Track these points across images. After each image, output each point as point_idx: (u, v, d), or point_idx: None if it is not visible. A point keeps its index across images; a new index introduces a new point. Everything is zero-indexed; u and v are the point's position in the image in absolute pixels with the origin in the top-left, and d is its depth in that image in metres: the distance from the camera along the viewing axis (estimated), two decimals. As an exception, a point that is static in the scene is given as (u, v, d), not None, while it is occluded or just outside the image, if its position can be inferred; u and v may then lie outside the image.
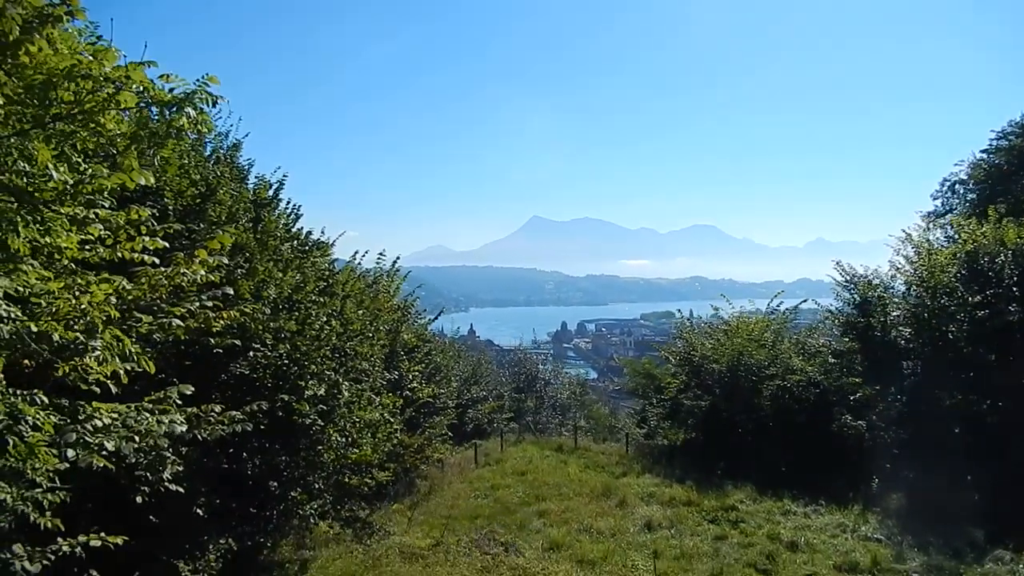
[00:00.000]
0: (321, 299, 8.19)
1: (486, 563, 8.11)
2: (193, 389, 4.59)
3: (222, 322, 5.16)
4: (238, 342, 5.98)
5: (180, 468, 4.88)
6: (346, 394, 7.94)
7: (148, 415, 4.30)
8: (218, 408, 5.21)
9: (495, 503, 12.76)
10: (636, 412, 24.80)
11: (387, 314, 11.47)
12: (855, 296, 15.41)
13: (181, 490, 4.99)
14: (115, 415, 4.08)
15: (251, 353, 6.70)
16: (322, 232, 10.12)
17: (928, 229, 26.70)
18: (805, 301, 18.82)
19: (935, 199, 28.54)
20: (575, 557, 9.48)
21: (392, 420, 9.63)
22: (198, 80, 3.51)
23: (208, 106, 3.51)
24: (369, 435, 8.74)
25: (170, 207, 6.58)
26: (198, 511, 5.90)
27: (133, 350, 3.84)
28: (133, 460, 4.43)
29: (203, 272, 4.63)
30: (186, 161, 7.19)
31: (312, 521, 8.00)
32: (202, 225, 6.63)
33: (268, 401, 6.29)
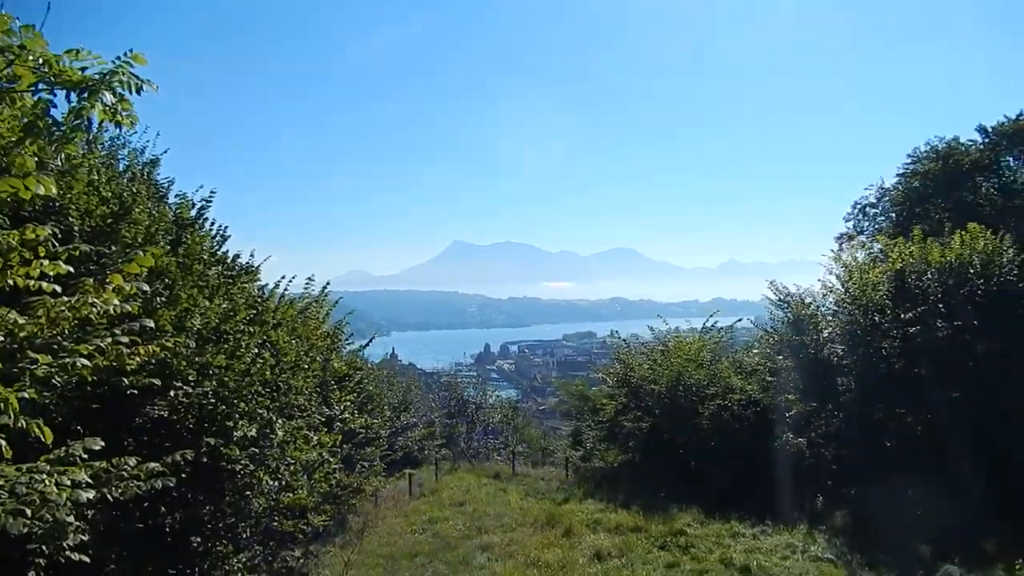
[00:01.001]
0: (251, 328, 7.36)
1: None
2: (102, 444, 3.79)
3: (138, 359, 4.38)
4: (157, 381, 5.12)
5: (85, 537, 4.06)
6: (280, 433, 7.12)
7: (45, 477, 3.50)
8: (133, 461, 4.40)
9: (435, 538, 12.02)
10: (570, 434, 24.48)
11: (319, 341, 10.64)
12: (789, 314, 15.56)
13: (86, 559, 4.17)
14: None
15: (172, 392, 5.83)
16: (251, 255, 9.30)
17: (842, 250, 27.80)
18: (740, 320, 18.98)
19: (847, 221, 29.76)
20: (525, 595, 8.90)
21: (331, 460, 8.82)
22: (118, 58, 2.79)
23: (131, 92, 2.79)
24: (305, 477, 7.94)
25: (76, 228, 5.71)
26: (107, 581, 5.03)
27: (14, 410, 3.04)
28: (24, 531, 3.60)
29: (117, 301, 3.86)
30: (96, 177, 6.33)
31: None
32: (115, 248, 5.76)
33: (192, 447, 5.46)
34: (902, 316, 13.55)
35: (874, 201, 28.50)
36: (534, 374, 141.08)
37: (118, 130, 8.12)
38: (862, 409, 13.82)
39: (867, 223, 28.71)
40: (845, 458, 13.83)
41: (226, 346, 6.74)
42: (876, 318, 13.92)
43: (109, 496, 4.21)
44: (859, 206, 29.09)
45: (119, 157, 7.80)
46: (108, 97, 2.73)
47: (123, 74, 2.77)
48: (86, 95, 2.73)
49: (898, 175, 25.92)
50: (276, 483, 7.19)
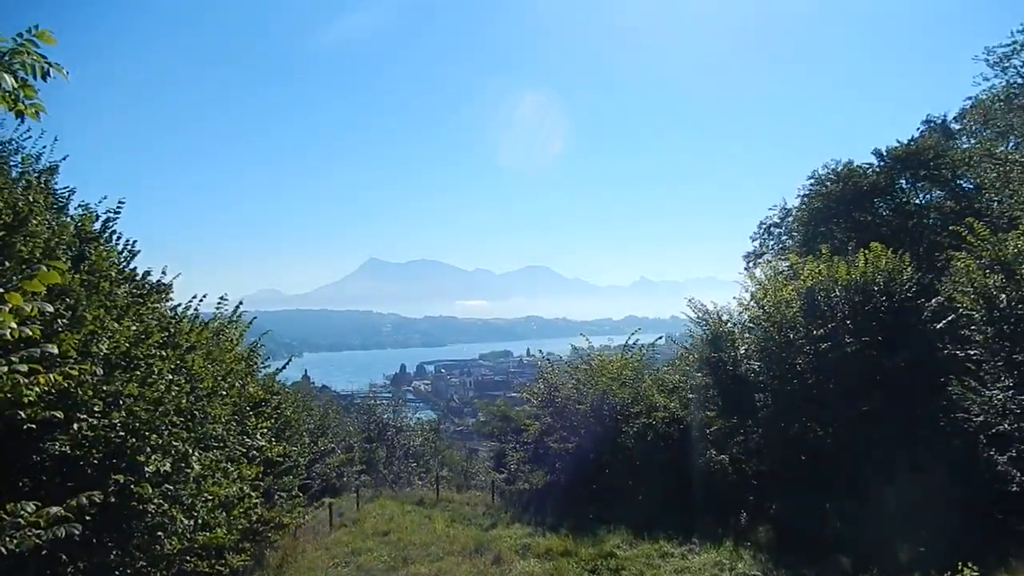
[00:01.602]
0: (164, 352, 6.76)
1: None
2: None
3: (38, 389, 3.87)
4: (59, 413, 4.53)
5: (-29, 598, 3.52)
6: (197, 467, 6.54)
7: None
8: (31, 506, 3.87)
9: (358, 571, 11.50)
10: (493, 456, 24.15)
11: (235, 365, 9.97)
12: (707, 332, 15.87)
13: (-27, 621, 3.63)
14: None
15: (76, 426, 5.22)
16: (163, 272, 8.60)
17: (754, 267, 28.85)
18: (660, 338, 19.20)
19: (753, 240, 30.93)
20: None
21: (252, 494, 8.20)
22: (20, 35, 2.37)
23: (36, 77, 2.38)
24: (223, 513, 7.33)
25: (-40, 242, 5.09)
26: (-3, 644, 4.40)
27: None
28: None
29: (14, 324, 3.38)
30: (-16, 184, 5.68)
31: (150, 627, 6.46)
32: (9, 264, 5.14)
33: (98, 486, 4.90)
34: (814, 332, 14.04)
35: (778, 221, 29.76)
36: (451, 394, 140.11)
37: (18, 123, 7.42)
38: (779, 425, 14.19)
39: (772, 242, 29.93)
40: (765, 474, 14.14)
41: (137, 373, 6.14)
42: (790, 335, 14.37)
43: (2, 549, 3.68)
44: (764, 226, 30.29)
45: (11, 163, 7.08)
46: (8, 81, 2.31)
47: (27, 54, 2.35)
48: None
49: (800, 195, 27.13)
50: (191, 522, 6.59)
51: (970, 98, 23.70)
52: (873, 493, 12.43)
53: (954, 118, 25.96)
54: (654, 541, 12.16)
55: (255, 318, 13.56)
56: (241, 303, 12.88)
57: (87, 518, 4.78)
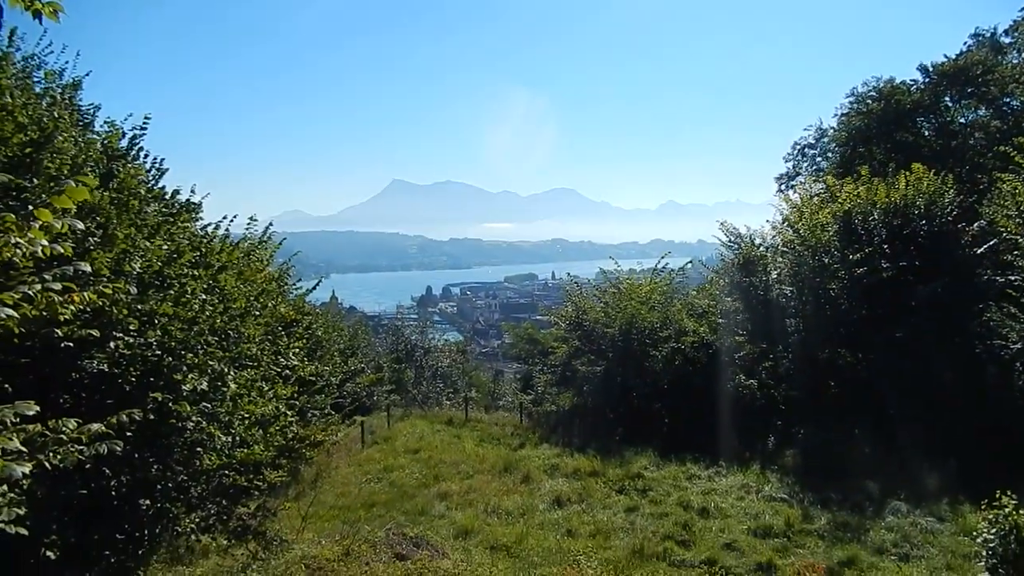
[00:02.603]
0: (196, 272, 6.73)
1: (408, 570, 7.14)
2: (36, 408, 3.28)
3: (73, 307, 3.82)
4: (95, 331, 4.52)
5: (21, 511, 3.57)
6: (232, 386, 6.61)
7: (-31, 449, 2.99)
8: (72, 423, 3.88)
9: (391, 487, 11.77)
10: (520, 377, 24.49)
11: (266, 285, 9.99)
12: (739, 256, 15.57)
13: (24, 532, 3.69)
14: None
15: (112, 344, 5.24)
16: (192, 191, 8.48)
17: (788, 189, 28.15)
18: (690, 262, 18.93)
19: (787, 161, 30.12)
20: (487, 543, 8.73)
21: (288, 412, 8.32)
22: None
23: None
24: (259, 431, 7.46)
25: (-12, 159, 4.99)
26: (48, 553, 4.54)
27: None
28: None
29: (45, 242, 3.29)
30: (9, 100, 5.52)
31: (194, 537, 6.67)
32: (37, 181, 5.04)
33: (137, 404, 4.93)
34: (849, 257, 13.71)
35: (813, 142, 28.87)
36: (477, 317, 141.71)
37: (40, 37, 7.21)
38: (809, 350, 14.07)
39: (806, 164, 29.12)
40: (794, 399, 14.10)
41: (171, 292, 6.13)
42: (824, 259, 14.05)
43: (47, 464, 3.71)
44: (798, 147, 29.42)
45: (34, 79, 6.90)
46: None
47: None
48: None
49: (838, 115, 26.13)
50: (229, 438, 6.71)
51: (1023, 9, 22.38)
52: (903, 419, 12.38)
53: (1005, 31, 24.44)
54: (681, 463, 12.27)
55: (284, 239, 13.54)
56: (271, 224, 12.84)
57: (128, 435, 4.83)
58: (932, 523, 9.21)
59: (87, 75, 7.56)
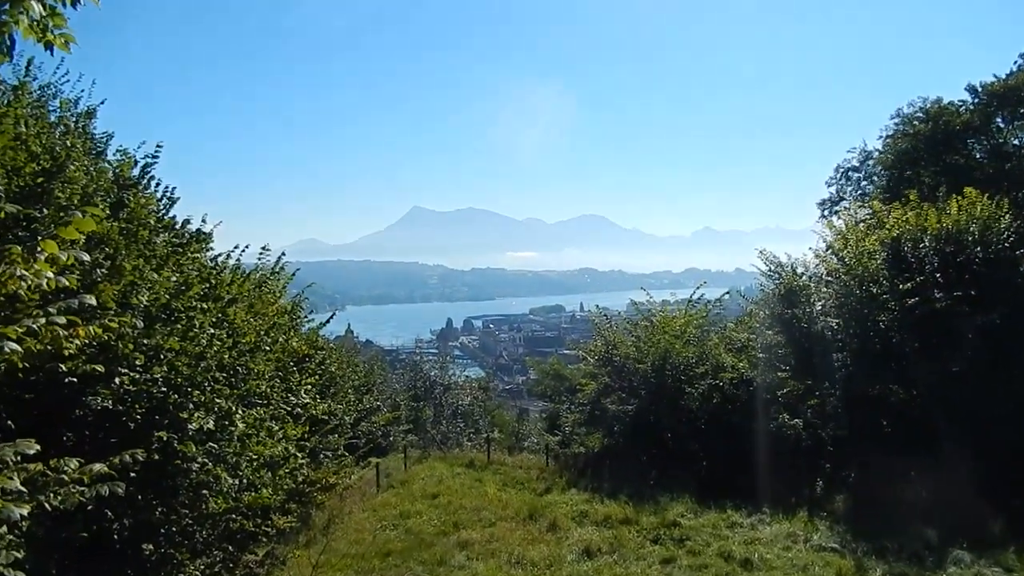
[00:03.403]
0: (205, 305, 6.86)
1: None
2: (37, 448, 3.36)
3: (78, 342, 3.93)
4: (100, 367, 4.63)
5: (19, 554, 3.64)
6: (241, 425, 6.68)
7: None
8: (74, 462, 3.96)
9: (407, 534, 11.70)
10: (546, 417, 24.34)
11: (278, 319, 10.13)
12: (780, 287, 15.43)
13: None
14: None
15: (117, 380, 5.36)
16: (203, 220, 8.69)
17: (831, 215, 27.99)
18: (727, 293, 18.82)
19: (830, 186, 30.06)
20: (510, 597, 8.65)
21: (298, 454, 8.38)
22: None
23: (65, 4, 2.31)
24: (268, 473, 7.51)
25: (0, 189, 5.17)
26: (47, 600, 4.60)
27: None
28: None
29: (51, 274, 3.41)
30: (24, 129, 5.74)
31: (198, 585, 6.70)
32: (47, 211, 5.21)
33: (142, 443, 5.01)
34: (899, 287, 13.54)
35: (857, 165, 28.81)
36: (500, 351, 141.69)
37: (56, 67, 7.50)
38: (858, 387, 13.84)
39: (850, 188, 29.04)
40: (843, 439, 13.86)
41: (178, 326, 6.25)
42: (872, 289, 13.89)
43: (47, 505, 3.78)
44: (842, 170, 29.38)
45: (49, 108, 7.19)
46: (36, 9, 2.22)
47: (54, -22, 2.26)
48: (6, 5, 2.21)
49: (883, 136, 26.06)
50: (236, 481, 6.77)
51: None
52: (961, 460, 12.10)
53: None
54: (721, 510, 12.06)
55: (298, 270, 13.71)
56: (283, 254, 13.02)
57: (131, 475, 4.91)
58: (999, 574, 8.97)
59: (101, 103, 7.86)
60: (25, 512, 3.15)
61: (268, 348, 8.42)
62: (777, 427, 14.02)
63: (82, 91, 7.74)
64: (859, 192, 28.13)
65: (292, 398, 9.44)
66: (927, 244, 14.08)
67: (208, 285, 7.50)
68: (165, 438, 5.66)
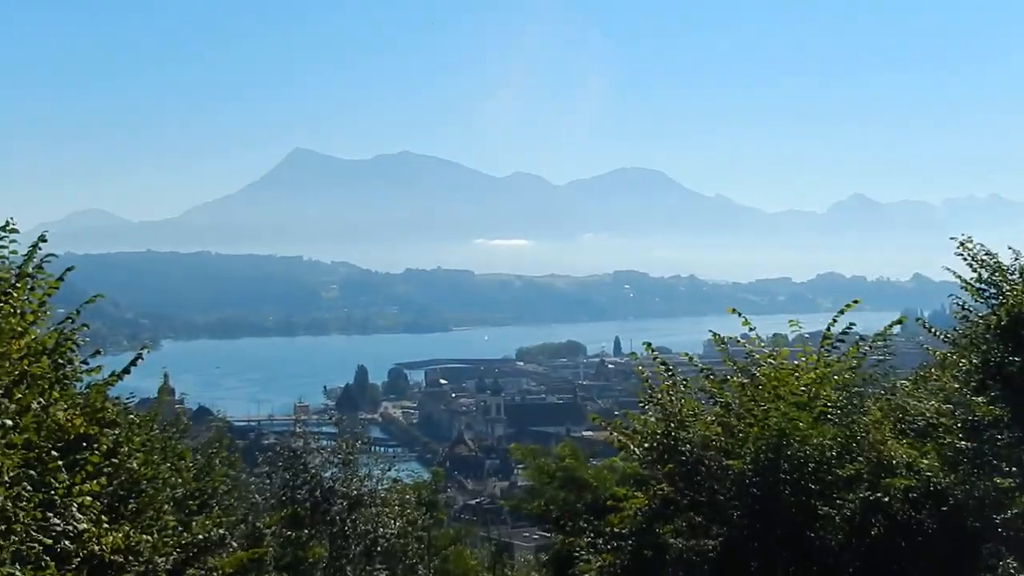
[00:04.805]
0: None
1: None
2: None
3: None
4: None
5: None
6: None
7: None
8: None
9: None
10: (549, 558, 24.30)
11: (31, 368, 10.04)
12: (1000, 314, 15.33)
13: None
14: None
15: None
16: None
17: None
18: (901, 323, 18.82)
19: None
20: None
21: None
22: None
23: None
24: None
25: None
26: None
27: None
28: None
29: None
30: None
31: None
32: None
33: None
34: None
35: None
36: (458, 429, 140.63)
37: None
38: None
39: None
40: None
41: None
42: None
43: None
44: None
45: None
46: None
47: None
48: None
49: None
50: None
51: None
52: None
53: None
54: None
55: (71, 268, 13.63)
56: (44, 238, 12.88)
57: None
58: None
59: None
60: None
61: (9, 423, 8.34)
62: (996, 576, 14.07)
63: None
64: None
65: (53, 519, 9.35)
66: None
67: None
68: None
